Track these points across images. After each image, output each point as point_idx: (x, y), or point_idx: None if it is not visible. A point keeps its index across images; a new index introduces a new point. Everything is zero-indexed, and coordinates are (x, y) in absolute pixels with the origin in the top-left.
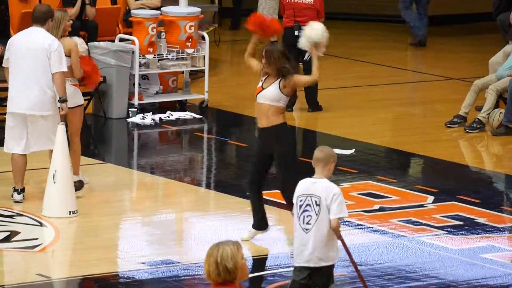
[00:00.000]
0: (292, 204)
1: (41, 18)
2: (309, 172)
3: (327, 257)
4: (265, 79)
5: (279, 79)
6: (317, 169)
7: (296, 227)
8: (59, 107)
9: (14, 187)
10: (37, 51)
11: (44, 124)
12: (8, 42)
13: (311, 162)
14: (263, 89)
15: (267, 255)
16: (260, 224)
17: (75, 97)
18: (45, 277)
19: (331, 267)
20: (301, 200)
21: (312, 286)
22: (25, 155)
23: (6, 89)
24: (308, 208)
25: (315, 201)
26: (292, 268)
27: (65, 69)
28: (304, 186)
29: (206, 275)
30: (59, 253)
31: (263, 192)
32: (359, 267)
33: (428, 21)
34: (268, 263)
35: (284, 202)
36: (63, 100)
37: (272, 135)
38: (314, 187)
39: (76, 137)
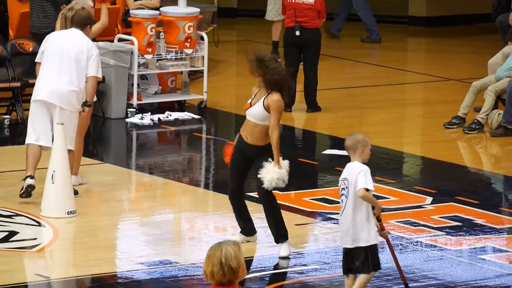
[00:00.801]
0: (271, 204)
1: (83, 22)
2: (309, 173)
3: (360, 238)
4: (255, 95)
5: (265, 96)
6: (350, 156)
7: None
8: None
9: (26, 176)
10: (78, 50)
11: (67, 120)
12: (46, 38)
13: (311, 163)
14: (250, 105)
15: (252, 257)
16: (251, 230)
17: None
18: (43, 277)
19: (367, 249)
20: (339, 186)
21: (352, 267)
22: (41, 147)
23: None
24: (343, 191)
25: (346, 184)
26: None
27: (100, 76)
28: (343, 172)
29: (208, 276)
30: (58, 253)
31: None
32: None
33: (428, 22)
34: (256, 264)
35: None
36: (88, 105)
37: (253, 152)
38: (346, 171)
39: (80, 136)
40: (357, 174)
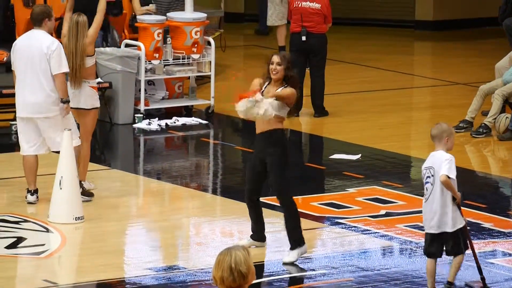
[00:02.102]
0: (287, 208)
1: (37, 19)
2: (317, 178)
3: (446, 224)
4: (265, 88)
5: (280, 88)
6: (435, 144)
7: (423, 198)
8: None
9: (27, 189)
10: (36, 56)
11: (52, 125)
12: (13, 45)
13: (319, 167)
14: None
15: (260, 262)
16: (261, 236)
17: (92, 99)
18: (51, 283)
19: (455, 233)
20: (423, 174)
21: (436, 252)
22: (36, 156)
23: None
24: (428, 180)
25: (431, 172)
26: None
27: (65, 69)
28: (426, 161)
29: (218, 282)
30: (66, 259)
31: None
32: (365, 273)
33: (434, 26)
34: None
35: (280, 205)
36: (65, 101)
37: (266, 140)
38: (431, 160)
39: (86, 141)
40: (442, 162)
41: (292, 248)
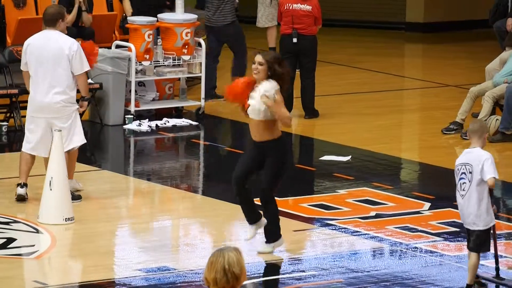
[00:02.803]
0: (267, 206)
1: (51, 20)
2: (307, 179)
3: (479, 221)
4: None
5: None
6: (473, 140)
7: (456, 194)
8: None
9: (17, 184)
10: (55, 57)
11: (69, 120)
12: (24, 45)
13: (309, 169)
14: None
15: (249, 263)
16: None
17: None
18: (41, 284)
19: (485, 232)
20: (458, 169)
21: (473, 247)
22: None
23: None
24: (463, 176)
25: (468, 169)
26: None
27: (87, 68)
28: (461, 157)
29: (211, 283)
30: (56, 260)
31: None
32: (355, 274)
33: (425, 28)
34: (253, 270)
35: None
36: (87, 99)
37: (265, 149)
38: (468, 156)
39: None
40: (483, 162)
41: (268, 242)
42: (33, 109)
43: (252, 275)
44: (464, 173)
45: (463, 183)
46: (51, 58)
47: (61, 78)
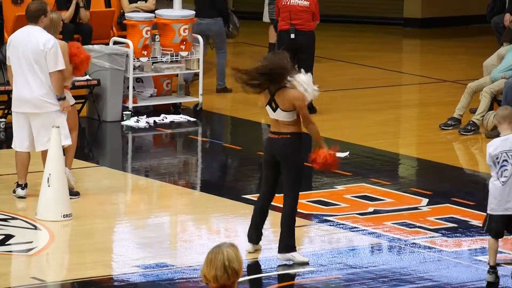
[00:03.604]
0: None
1: (33, 16)
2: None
3: None
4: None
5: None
6: (503, 126)
7: (493, 183)
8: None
9: (17, 182)
10: (33, 53)
11: (45, 122)
12: (8, 40)
13: (306, 165)
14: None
15: (249, 259)
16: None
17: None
18: (39, 280)
19: None
20: (497, 158)
21: (509, 233)
22: (28, 152)
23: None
24: (505, 163)
25: (511, 155)
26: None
27: (61, 67)
28: (497, 145)
29: (211, 280)
30: (54, 256)
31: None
32: (353, 270)
33: (423, 24)
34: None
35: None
36: (60, 98)
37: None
38: (507, 143)
39: (74, 132)
40: None
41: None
42: (15, 104)
43: (250, 272)
44: (506, 160)
45: (505, 169)
46: (29, 54)
47: (39, 74)
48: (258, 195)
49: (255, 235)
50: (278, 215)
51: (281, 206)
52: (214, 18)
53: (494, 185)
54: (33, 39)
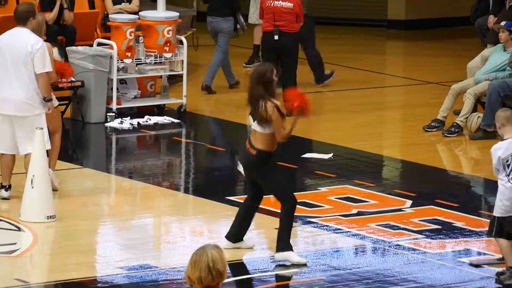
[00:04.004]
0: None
1: (22, 17)
2: (287, 176)
3: None
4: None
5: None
6: (508, 128)
7: (505, 185)
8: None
9: (1, 184)
10: (20, 55)
11: (28, 125)
12: None
13: (291, 166)
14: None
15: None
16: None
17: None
18: (23, 282)
19: None
20: (507, 161)
21: None
22: (14, 154)
23: None
24: None
25: None
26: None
27: (48, 69)
28: (505, 148)
29: (195, 282)
30: (37, 258)
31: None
32: (337, 272)
33: (407, 25)
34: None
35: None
36: (48, 100)
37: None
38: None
39: (58, 133)
40: None
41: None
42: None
43: (235, 273)
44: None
45: None
46: (17, 56)
47: (25, 76)
48: (242, 196)
49: (235, 233)
50: (264, 217)
51: (270, 209)
52: (226, 17)
53: (505, 187)
54: (22, 40)
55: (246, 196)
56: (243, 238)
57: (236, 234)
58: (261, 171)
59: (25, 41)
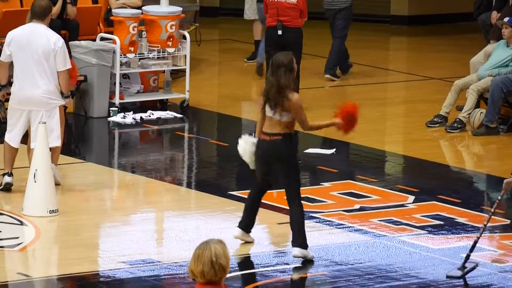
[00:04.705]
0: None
1: (42, 13)
2: None
3: None
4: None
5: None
6: None
7: None
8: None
9: (3, 173)
10: (44, 52)
11: (48, 119)
12: (8, 36)
13: None
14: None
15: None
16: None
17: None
18: (25, 276)
19: None
20: None
21: None
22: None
23: None
24: None
25: None
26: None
27: (69, 66)
28: None
29: (198, 276)
30: (40, 252)
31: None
32: (339, 267)
33: (410, 21)
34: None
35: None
36: (67, 96)
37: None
38: None
39: (61, 128)
40: None
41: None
42: (16, 101)
43: (237, 268)
44: None
45: None
46: (38, 52)
47: (46, 72)
48: (244, 191)
49: (245, 223)
50: (267, 212)
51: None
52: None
53: None
54: (43, 37)
55: (249, 191)
56: (251, 230)
57: (248, 224)
58: (288, 156)
59: (46, 38)
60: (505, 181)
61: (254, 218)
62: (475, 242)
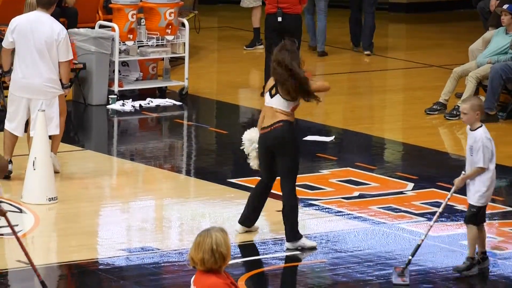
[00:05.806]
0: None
1: (47, 2)
2: None
3: None
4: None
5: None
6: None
7: None
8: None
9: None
10: (47, 41)
11: (47, 107)
12: (12, 24)
13: None
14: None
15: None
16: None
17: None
18: (24, 264)
19: None
20: None
21: None
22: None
23: None
24: None
25: None
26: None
27: (71, 57)
28: None
29: (198, 263)
30: (39, 240)
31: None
32: (338, 254)
33: (408, 8)
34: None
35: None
36: (67, 87)
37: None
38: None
39: (62, 116)
40: None
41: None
42: (16, 88)
43: (236, 256)
44: None
45: None
46: (41, 41)
47: (48, 61)
48: (243, 179)
49: (250, 219)
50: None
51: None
52: None
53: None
54: (47, 27)
55: (251, 178)
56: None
57: (252, 218)
58: (290, 140)
59: (50, 28)
60: (456, 179)
61: (258, 215)
62: (418, 246)
